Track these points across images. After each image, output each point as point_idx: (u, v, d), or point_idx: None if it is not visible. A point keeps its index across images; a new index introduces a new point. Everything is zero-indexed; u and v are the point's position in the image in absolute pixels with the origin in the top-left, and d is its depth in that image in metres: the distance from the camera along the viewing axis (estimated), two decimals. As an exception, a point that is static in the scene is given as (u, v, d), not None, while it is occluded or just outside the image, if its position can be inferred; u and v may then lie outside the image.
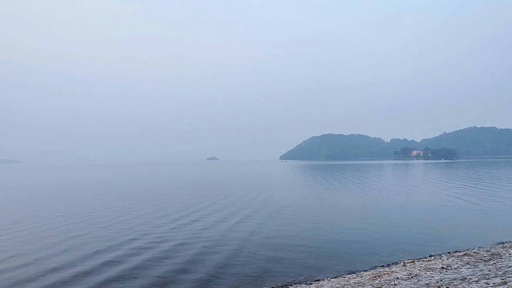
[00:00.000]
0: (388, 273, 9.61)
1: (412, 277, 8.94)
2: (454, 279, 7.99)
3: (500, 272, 8.03)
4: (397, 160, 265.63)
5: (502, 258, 10.16)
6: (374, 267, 10.80)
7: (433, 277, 8.63)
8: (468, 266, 9.64)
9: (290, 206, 23.83)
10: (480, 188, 33.50)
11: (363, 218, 18.91)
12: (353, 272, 10.39)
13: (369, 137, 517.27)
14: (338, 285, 8.92)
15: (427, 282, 8.14)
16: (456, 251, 12.06)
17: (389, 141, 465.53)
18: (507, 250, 11.44)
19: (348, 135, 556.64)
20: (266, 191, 33.64)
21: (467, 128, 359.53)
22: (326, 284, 9.22)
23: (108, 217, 20.32)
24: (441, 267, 9.76)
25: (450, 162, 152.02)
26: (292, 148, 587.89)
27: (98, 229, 17.04)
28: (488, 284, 7.04)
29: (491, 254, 10.96)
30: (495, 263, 8.78)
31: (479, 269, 8.98)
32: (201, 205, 24.86)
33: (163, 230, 16.52)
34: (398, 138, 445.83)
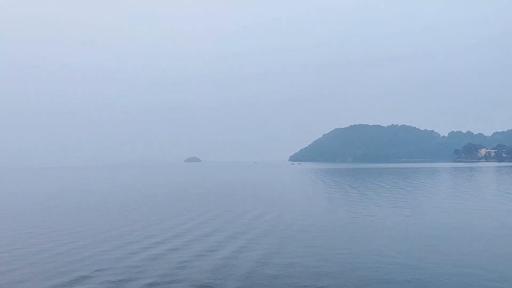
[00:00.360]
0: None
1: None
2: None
3: None
4: (458, 162, 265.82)
5: None
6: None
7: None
8: None
9: (309, 228, 23.89)
10: None
11: (412, 244, 18.89)
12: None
13: (418, 129, 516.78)
14: None
15: None
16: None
17: (446, 135, 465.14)
18: None
19: (388, 126, 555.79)
20: (272, 208, 33.69)
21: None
22: None
23: (51, 244, 20.32)
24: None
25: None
26: (306, 146, 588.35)
27: (35, 261, 16.96)
28: None
29: None
30: None
31: None
32: (182, 227, 24.87)
33: (126, 263, 16.45)
34: (460, 131, 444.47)
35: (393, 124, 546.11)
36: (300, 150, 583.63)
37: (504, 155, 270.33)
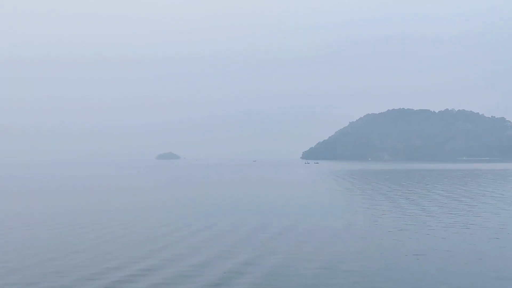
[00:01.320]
0: None
1: None
2: None
3: None
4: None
5: None
6: None
7: None
8: None
9: (347, 251, 23.54)
10: None
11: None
12: None
13: (483, 116, 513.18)
14: None
15: None
16: None
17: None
18: None
19: (440, 112, 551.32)
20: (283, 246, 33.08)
21: None
22: None
23: None
24: None
25: None
26: (326, 138, 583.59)
27: None
28: None
29: None
30: None
31: None
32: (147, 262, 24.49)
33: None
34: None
35: (447, 109, 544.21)
36: (318, 144, 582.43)
37: None
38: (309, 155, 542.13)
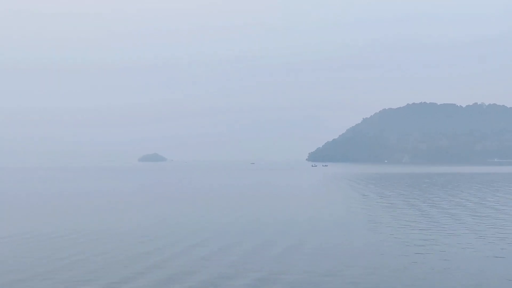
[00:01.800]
0: None
1: None
2: None
3: None
4: None
5: None
6: None
7: None
8: None
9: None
10: None
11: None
12: None
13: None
14: None
15: None
16: None
17: None
18: None
19: (468, 106, 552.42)
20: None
21: None
22: None
23: None
24: None
25: None
26: (336, 137, 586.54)
27: None
28: None
29: None
30: None
31: None
32: None
33: None
34: None
35: (476, 103, 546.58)
36: (326, 144, 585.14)
37: None
38: (316, 156, 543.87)
